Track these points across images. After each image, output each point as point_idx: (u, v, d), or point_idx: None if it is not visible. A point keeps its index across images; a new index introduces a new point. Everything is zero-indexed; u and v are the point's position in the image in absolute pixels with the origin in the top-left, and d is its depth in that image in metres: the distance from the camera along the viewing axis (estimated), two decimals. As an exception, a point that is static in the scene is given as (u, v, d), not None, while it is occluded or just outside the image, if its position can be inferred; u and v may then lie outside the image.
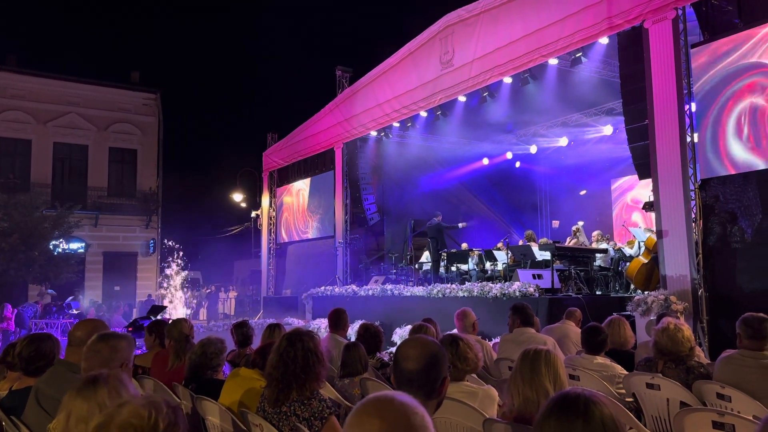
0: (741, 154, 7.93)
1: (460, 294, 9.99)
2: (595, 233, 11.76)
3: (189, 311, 18.53)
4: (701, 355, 4.95)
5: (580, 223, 12.19)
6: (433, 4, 16.58)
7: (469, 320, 5.39)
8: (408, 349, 2.11)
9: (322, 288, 14.36)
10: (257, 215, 21.86)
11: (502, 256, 12.17)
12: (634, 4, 8.80)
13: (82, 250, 21.51)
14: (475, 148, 16.85)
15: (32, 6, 48.29)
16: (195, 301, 21.91)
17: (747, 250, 7.80)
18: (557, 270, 9.77)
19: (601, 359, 4.29)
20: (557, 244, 10.41)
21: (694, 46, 8.49)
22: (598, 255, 10.67)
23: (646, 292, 8.33)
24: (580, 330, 5.28)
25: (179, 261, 18.09)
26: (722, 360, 3.72)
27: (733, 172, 8.02)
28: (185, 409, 3.57)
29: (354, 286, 13.50)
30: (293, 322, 12.33)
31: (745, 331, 3.68)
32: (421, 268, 14.15)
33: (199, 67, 56.02)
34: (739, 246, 7.88)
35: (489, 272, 12.51)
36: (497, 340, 6.14)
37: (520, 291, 8.99)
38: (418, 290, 11.25)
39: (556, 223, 16.84)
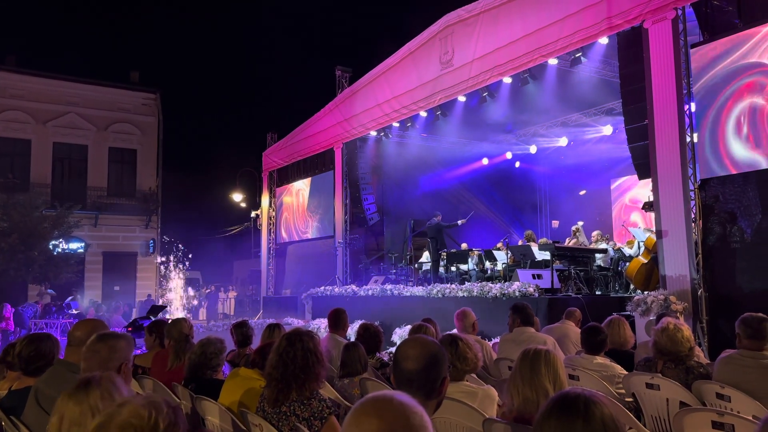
0: (741, 153, 7.92)
1: (460, 294, 9.99)
2: (594, 233, 11.77)
3: (187, 313, 18.50)
4: (701, 355, 4.94)
5: (580, 223, 12.18)
6: (433, 4, 16.61)
7: (468, 320, 5.38)
8: (408, 349, 2.10)
9: (322, 288, 14.36)
10: (257, 215, 21.85)
11: (501, 256, 12.18)
12: (633, 4, 8.80)
13: (81, 250, 21.50)
14: (474, 148, 16.85)
15: (32, 6, 48.33)
16: (195, 301, 21.88)
17: (746, 250, 7.79)
18: (557, 270, 9.77)
19: (600, 359, 4.29)
20: (557, 244, 10.40)
21: (693, 46, 8.49)
22: (597, 255, 10.67)
23: (645, 292, 8.32)
24: (579, 330, 5.27)
25: (180, 267, 18.07)
26: (722, 360, 3.72)
27: (732, 172, 8.02)
28: (185, 409, 3.57)
29: (354, 286, 13.49)
30: (293, 322, 12.33)
31: (744, 331, 3.69)
32: (420, 268, 14.15)
33: (199, 67, 56.13)
34: (738, 246, 7.87)
35: (489, 272, 12.52)
36: (497, 340, 6.15)
37: (519, 291, 8.99)
38: (418, 290, 11.25)
39: (555, 223, 16.86)
